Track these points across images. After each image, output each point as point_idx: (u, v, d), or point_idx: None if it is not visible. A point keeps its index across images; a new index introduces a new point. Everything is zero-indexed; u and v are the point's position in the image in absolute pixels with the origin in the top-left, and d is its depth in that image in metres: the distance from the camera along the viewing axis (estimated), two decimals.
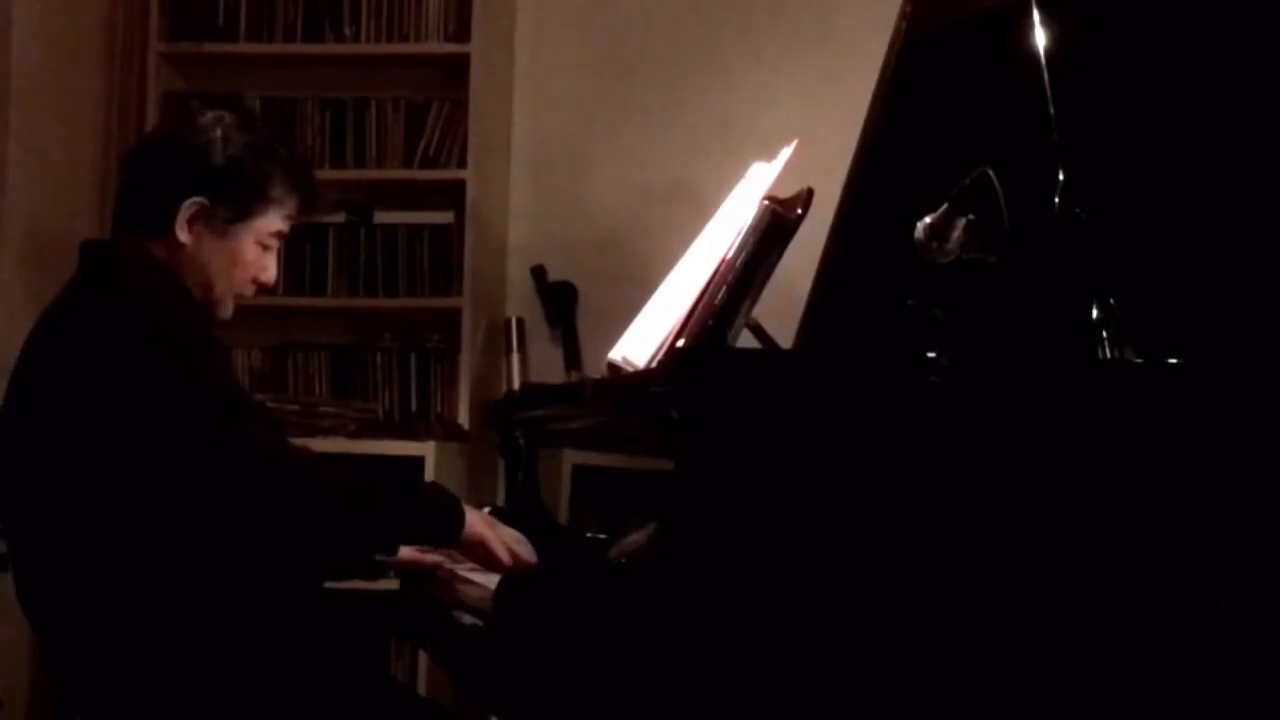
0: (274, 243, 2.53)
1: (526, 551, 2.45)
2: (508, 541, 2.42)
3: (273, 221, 2.50)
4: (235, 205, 2.46)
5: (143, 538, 2.27)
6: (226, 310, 2.51)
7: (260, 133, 2.54)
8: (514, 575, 2.31)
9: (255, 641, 2.33)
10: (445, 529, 2.39)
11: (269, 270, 2.54)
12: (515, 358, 4.39)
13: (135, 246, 2.45)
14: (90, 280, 2.43)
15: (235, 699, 2.30)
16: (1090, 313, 2.19)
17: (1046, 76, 2.33)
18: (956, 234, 2.27)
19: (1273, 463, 2.06)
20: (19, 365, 2.40)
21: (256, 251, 2.50)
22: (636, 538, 2.37)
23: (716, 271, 2.50)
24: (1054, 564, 2.04)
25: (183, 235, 2.43)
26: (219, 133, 2.47)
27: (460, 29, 4.34)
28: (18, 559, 2.39)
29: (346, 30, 4.39)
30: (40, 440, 2.33)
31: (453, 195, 4.30)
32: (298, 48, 4.42)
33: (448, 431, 4.24)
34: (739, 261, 2.44)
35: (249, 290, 2.52)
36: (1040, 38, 2.37)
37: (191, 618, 2.29)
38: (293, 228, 2.55)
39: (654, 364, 2.51)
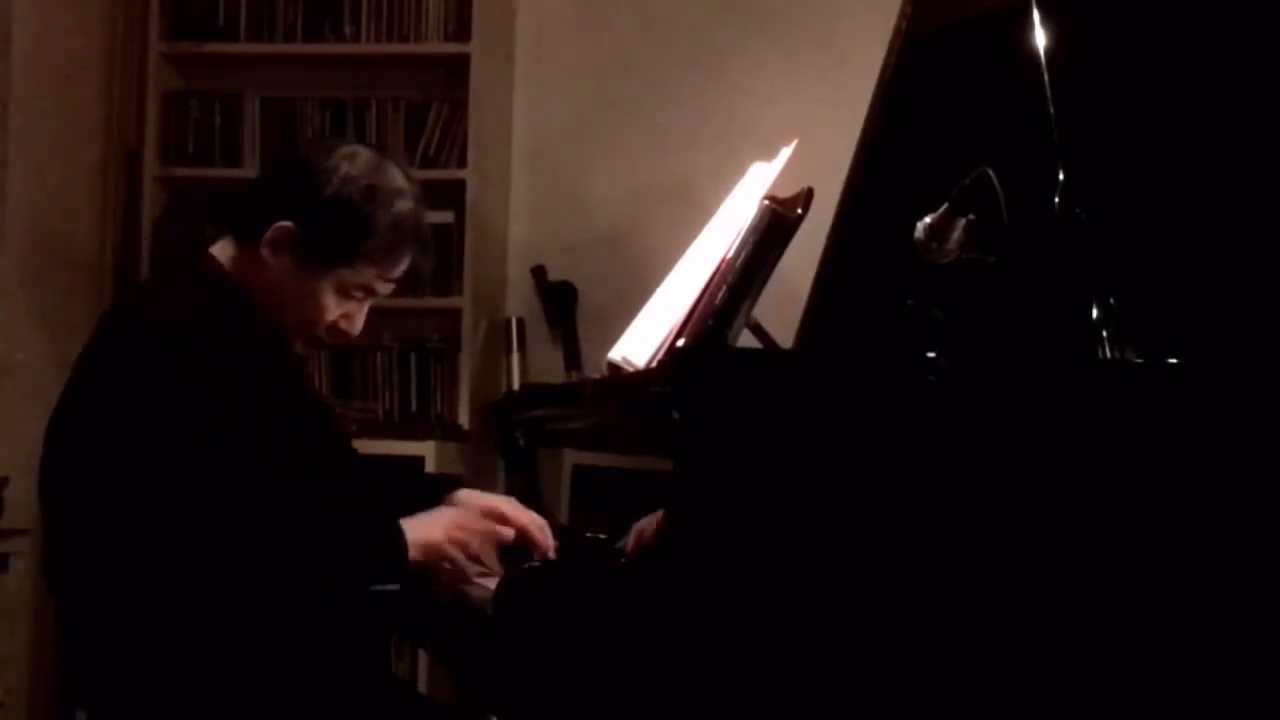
0: (360, 295, 2.39)
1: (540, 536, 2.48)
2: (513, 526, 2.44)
3: (360, 274, 2.37)
4: (323, 245, 2.34)
5: (148, 539, 2.27)
6: (295, 345, 2.45)
7: (388, 184, 2.37)
8: (514, 575, 2.31)
9: (257, 640, 2.33)
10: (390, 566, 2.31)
11: (353, 322, 2.40)
12: (515, 358, 4.39)
13: (216, 256, 2.40)
14: (151, 281, 2.42)
15: (237, 696, 2.30)
16: (1090, 313, 2.19)
17: (1046, 76, 2.33)
18: (956, 234, 2.27)
19: (1273, 463, 2.06)
20: (86, 346, 2.37)
21: (336, 299, 2.38)
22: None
23: (716, 271, 2.50)
24: (1054, 564, 2.04)
25: (266, 254, 2.35)
26: (342, 167, 2.34)
27: (460, 29, 4.34)
28: (53, 543, 2.40)
29: (346, 30, 4.39)
30: (71, 430, 2.34)
31: (453, 195, 4.30)
32: (298, 48, 4.42)
33: (448, 431, 4.24)
34: (739, 261, 2.44)
35: (321, 333, 2.41)
36: (1040, 38, 2.37)
37: (196, 616, 2.29)
38: None
39: (654, 364, 2.51)
